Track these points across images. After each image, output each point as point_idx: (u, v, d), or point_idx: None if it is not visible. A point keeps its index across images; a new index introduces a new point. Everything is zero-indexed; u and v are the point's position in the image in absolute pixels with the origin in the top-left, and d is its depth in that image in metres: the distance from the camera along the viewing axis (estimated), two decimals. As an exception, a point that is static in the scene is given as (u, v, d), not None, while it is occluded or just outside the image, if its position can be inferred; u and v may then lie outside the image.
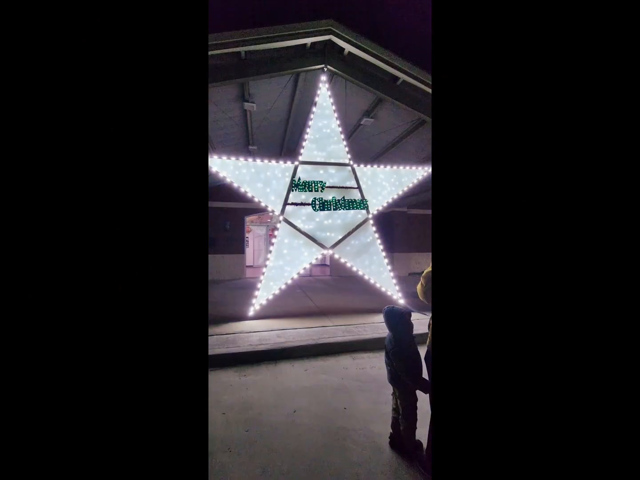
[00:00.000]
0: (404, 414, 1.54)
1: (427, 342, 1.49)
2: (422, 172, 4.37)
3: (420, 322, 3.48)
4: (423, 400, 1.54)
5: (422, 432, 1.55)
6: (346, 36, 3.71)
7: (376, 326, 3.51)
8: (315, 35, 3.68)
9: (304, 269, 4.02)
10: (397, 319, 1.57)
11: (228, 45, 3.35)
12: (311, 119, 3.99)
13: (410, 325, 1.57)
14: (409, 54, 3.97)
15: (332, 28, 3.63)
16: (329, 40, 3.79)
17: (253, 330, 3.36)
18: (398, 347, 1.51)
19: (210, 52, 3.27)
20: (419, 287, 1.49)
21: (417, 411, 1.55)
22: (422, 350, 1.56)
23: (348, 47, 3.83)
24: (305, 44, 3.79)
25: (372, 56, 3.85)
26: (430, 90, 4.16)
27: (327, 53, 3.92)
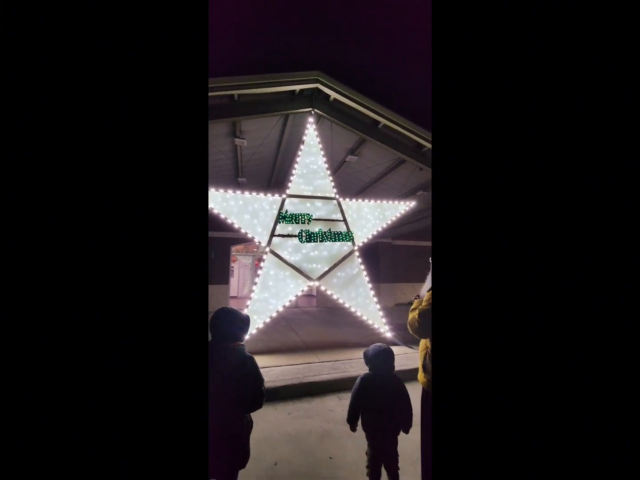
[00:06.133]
0: (393, 463, 1.45)
1: (423, 381, 1.41)
2: (404, 207, 4.59)
3: (408, 357, 3.40)
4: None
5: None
6: (332, 85, 4.08)
7: (363, 361, 3.39)
8: (303, 84, 4.03)
9: (290, 301, 3.93)
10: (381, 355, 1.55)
11: (222, 88, 3.59)
12: (299, 156, 4.20)
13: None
14: (389, 101, 4.40)
15: (319, 78, 4.00)
16: (316, 87, 4.16)
17: (234, 369, 3.15)
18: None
19: (204, 94, 3.48)
20: (412, 321, 1.41)
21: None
22: (410, 387, 1.51)
23: (334, 94, 4.20)
24: (294, 90, 4.13)
25: (355, 103, 4.23)
26: (408, 134, 4.55)
27: (314, 98, 4.27)
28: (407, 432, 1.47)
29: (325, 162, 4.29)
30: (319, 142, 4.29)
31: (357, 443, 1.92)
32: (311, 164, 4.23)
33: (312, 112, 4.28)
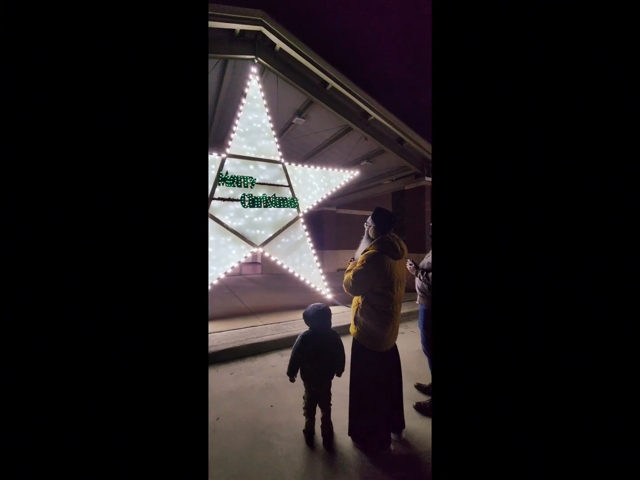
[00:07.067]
0: (326, 402, 1.66)
1: (354, 332, 1.60)
2: (348, 175, 4.69)
3: (345, 315, 3.76)
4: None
5: (342, 415, 1.69)
6: (277, 31, 3.66)
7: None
8: (244, 23, 3.50)
9: (232, 267, 3.82)
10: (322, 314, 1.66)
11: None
12: (240, 111, 3.80)
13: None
14: (338, 61, 4.19)
15: (262, 20, 3.52)
16: (260, 32, 3.68)
17: (171, 338, 3.01)
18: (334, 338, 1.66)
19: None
20: (347, 281, 1.56)
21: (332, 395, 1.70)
22: (345, 339, 1.69)
23: (279, 43, 3.79)
24: (234, 30, 3.58)
25: (303, 57, 3.91)
26: (355, 100, 4.50)
27: (258, 45, 3.79)
28: (340, 375, 1.68)
29: (270, 122, 3.99)
30: (263, 98, 3.92)
31: (296, 390, 2.12)
32: (254, 121, 3.88)
33: (255, 61, 3.82)
